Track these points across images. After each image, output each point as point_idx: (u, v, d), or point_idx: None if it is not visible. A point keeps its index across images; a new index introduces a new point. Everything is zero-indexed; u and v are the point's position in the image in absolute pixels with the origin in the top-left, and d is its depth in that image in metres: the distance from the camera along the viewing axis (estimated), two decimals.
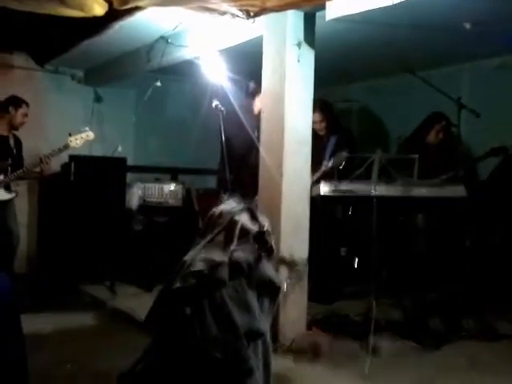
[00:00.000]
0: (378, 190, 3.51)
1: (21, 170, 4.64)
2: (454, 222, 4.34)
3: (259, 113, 3.99)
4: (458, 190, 3.89)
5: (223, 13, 3.41)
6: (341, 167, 4.29)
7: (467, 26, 4.04)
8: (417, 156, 3.55)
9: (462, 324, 3.75)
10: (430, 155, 4.59)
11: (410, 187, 3.60)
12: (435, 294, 4.31)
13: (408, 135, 4.93)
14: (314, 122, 4.62)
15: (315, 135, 4.61)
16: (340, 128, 4.89)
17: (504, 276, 4.54)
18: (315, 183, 4.06)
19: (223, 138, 4.23)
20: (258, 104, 4.30)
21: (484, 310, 4.06)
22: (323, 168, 4.45)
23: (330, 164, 4.37)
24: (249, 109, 4.47)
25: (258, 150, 3.73)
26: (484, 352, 3.36)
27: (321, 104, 4.75)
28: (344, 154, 4.28)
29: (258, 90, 4.18)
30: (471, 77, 5.34)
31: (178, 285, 2.08)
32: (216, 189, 4.73)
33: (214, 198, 4.39)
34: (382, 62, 5.30)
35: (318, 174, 4.43)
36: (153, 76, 4.96)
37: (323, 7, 3.37)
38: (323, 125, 4.79)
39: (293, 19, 3.49)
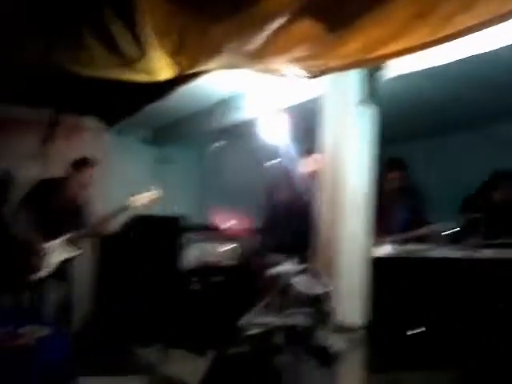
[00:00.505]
0: (442, 251, 3.34)
1: (85, 229, 4.75)
2: None
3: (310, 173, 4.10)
4: None
5: (286, 73, 3.45)
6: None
7: None
8: (481, 215, 3.37)
9: None
10: (496, 214, 4.36)
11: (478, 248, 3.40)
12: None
13: (472, 193, 4.73)
14: (391, 180, 4.58)
15: (386, 193, 4.53)
16: (411, 188, 4.75)
17: None
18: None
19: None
20: (311, 164, 4.29)
21: None
22: (427, 230, 4.18)
23: (436, 228, 4.09)
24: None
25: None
26: None
27: (399, 163, 4.69)
28: (452, 224, 3.96)
29: (310, 149, 4.23)
30: None
31: (232, 351, 2.00)
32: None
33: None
34: (447, 119, 5.20)
35: (411, 234, 4.24)
36: (214, 137, 5.08)
37: (385, 66, 3.36)
38: (399, 184, 4.66)
39: (354, 78, 3.49)
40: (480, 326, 4.16)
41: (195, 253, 5.37)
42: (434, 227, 4.10)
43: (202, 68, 3.22)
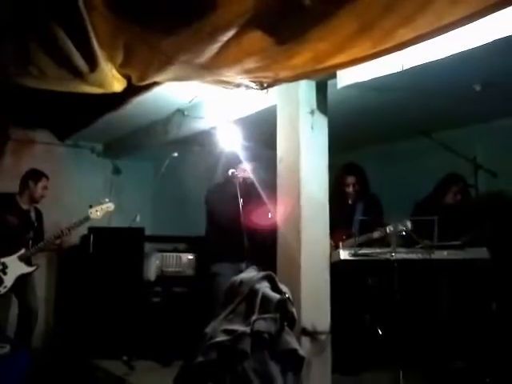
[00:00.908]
0: (398, 253, 3.47)
1: (42, 243, 4.67)
2: (478, 285, 4.21)
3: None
4: (481, 252, 3.83)
5: (238, 85, 3.51)
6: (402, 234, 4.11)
7: (477, 87, 4.11)
8: (436, 217, 3.50)
9: None
10: (448, 217, 4.54)
11: (431, 250, 3.53)
12: (462, 363, 4.13)
13: (424, 197, 4.89)
14: (346, 185, 4.66)
15: (341, 199, 4.62)
16: (368, 193, 4.85)
17: None
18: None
19: (240, 205, 4.27)
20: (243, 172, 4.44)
21: None
22: (378, 233, 4.22)
23: (388, 230, 4.08)
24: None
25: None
26: None
27: (354, 167, 4.77)
28: (407, 223, 3.95)
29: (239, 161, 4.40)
30: (486, 138, 5.35)
31: (199, 359, 2.02)
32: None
33: None
34: (394, 126, 5.37)
35: (362, 239, 4.25)
36: (170, 147, 5.08)
37: (334, 76, 3.46)
38: (357, 187, 4.70)
39: (305, 88, 3.58)
40: (441, 323, 4.34)
41: (156, 263, 5.34)
42: (385, 230, 4.14)
43: (153, 80, 3.24)
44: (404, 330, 3.47)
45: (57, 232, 4.70)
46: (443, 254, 3.66)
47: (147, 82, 3.25)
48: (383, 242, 3.99)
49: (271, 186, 3.95)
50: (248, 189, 4.33)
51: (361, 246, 3.63)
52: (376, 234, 4.12)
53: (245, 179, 4.40)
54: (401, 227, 3.94)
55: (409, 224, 3.89)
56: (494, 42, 2.76)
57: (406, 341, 3.58)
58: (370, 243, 3.74)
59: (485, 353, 3.98)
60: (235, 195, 4.33)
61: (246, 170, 4.43)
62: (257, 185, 4.24)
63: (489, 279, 4.14)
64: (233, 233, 4.42)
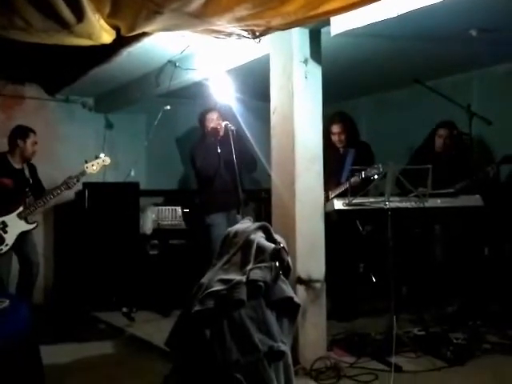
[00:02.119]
0: (392, 202, 3.49)
1: (38, 201, 4.65)
2: (471, 232, 4.28)
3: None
4: (474, 200, 3.86)
5: (229, 34, 3.43)
6: (375, 177, 4.14)
7: (473, 33, 4.03)
8: (430, 166, 3.50)
9: (484, 337, 3.67)
10: (442, 165, 4.56)
11: (425, 198, 3.56)
12: (456, 307, 4.25)
13: (419, 145, 4.90)
14: (333, 134, 4.68)
15: (332, 149, 4.63)
16: (358, 141, 4.86)
17: None
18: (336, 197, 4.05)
19: (235, 157, 4.28)
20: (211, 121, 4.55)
21: (505, 321, 3.98)
22: (353, 180, 4.23)
23: (364, 175, 4.22)
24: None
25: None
26: (509, 365, 3.29)
27: (341, 116, 4.76)
28: (379, 166, 4.09)
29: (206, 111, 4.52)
30: (481, 84, 5.31)
31: (196, 308, 2.06)
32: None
33: None
34: (389, 74, 5.30)
35: (343, 188, 4.40)
36: (162, 100, 5.01)
37: (328, 23, 3.38)
38: (343, 137, 4.72)
39: (298, 36, 3.50)
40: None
41: (153, 217, 5.38)
42: (360, 175, 4.19)
43: (143, 30, 3.16)
44: (398, 277, 3.53)
45: (53, 188, 4.68)
46: (437, 202, 3.68)
47: (136, 32, 3.17)
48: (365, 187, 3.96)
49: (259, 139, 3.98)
50: (234, 139, 4.34)
51: (353, 194, 3.64)
52: (353, 180, 4.14)
53: (228, 129, 4.39)
54: (374, 171, 4.02)
55: (380, 168, 3.93)
56: None
57: (399, 287, 3.67)
58: (356, 191, 3.74)
59: (476, 296, 4.09)
60: (218, 146, 4.39)
61: (227, 120, 4.47)
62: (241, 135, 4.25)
63: (481, 225, 4.19)
64: (222, 184, 4.48)
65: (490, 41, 4.22)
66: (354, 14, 3.18)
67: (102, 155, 4.76)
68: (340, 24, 3.38)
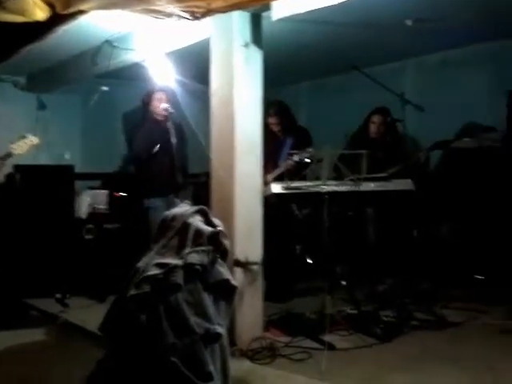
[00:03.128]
0: (328, 186, 3.59)
1: None
2: (403, 215, 4.47)
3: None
4: (406, 183, 4.03)
5: (168, 15, 3.37)
6: (307, 161, 4.24)
7: (409, 22, 4.19)
8: (364, 151, 3.62)
9: (412, 314, 3.87)
10: (376, 150, 4.73)
11: (359, 182, 3.68)
12: (386, 286, 4.45)
13: (354, 131, 5.04)
14: (270, 124, 4.73)
15: (271, 135, 4.69)
16: (297, 127, 4.93)
17: (451, 265, 4.73)
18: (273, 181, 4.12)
19: (174, 140, 4.25)
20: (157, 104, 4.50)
21: (432, 299, 4.21)
22: (286, 163, 4.42)
23: (297, 158, 4.31)
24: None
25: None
26: (435, 340, 3.48)
27: (277, 107, 4.79)
28: (310, 149, 4.22)
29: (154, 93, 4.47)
30: (415, 72, 5.52)
31: (132, 292, 2.05)
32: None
33: None
34: (329, 60, 5.41)
35: (279, 171, 4.49)
36: (99, 81, 4.89)
37: (269, 8, 3.39)
38: (280, 127, 4.79)
39: (239, 20, 3.49)
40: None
41: (88, 201, 5.25)
42: (292, 159, 4.31)
43: (79, 8, 3.06)
44: (332, 258, 3.65)
45: None
46: (370, 186, 3.81)
47: (72, 10, 3.07)
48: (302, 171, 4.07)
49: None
50: (172, 124, 4.32)
51: (290, 178, 3.72)
52: (286, 164, 4.28)
53: (167, 112, 4.36)
54: (306, 155, 4.13)
55: (312, 152, 4.06)
56: None
57: (333, 267, 3.80)
58: (292, 175, 3.84)
59: (406, 275, 4.29)
60: (158, 129, 4.36)
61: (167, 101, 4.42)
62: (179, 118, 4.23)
63: (411, 208, 4.39)
64: (161, 167, 4.46)
65: (424, 31, 4.39)
66: None
67: (28, 135, 4.57)
68: (281, 9, 3.40)
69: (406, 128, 4.54)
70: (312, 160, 4.03)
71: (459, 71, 5.12)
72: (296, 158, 4.26)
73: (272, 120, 4.73)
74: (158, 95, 4.59)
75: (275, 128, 4.77)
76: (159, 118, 4.53)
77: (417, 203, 4.36)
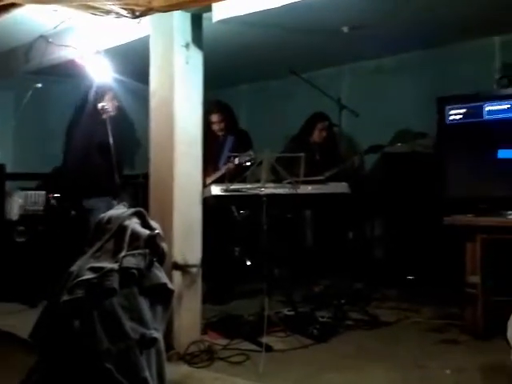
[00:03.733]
0: (267, 188, 3.62)
1: None
2: (339, 217, 4.58)
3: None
4: (342, 187, 4.14)
5: (107, 12, 3.31)
6: (247, 164, 4.27)
7: (345, 29, 4.29)
8: (303, 154, 3.68)
9: (347, 314, 3.97)
10: (314, 153, 4.84)
11: (297, 185, 3.74)
12: (322, 287, 4.55)
13: (294, 135, 5.12)
14: (212, 123, 4.72)
15: (211, 136, 4.68)
16: (237, 129, 4.94)
17: (384, 266, 4.90)
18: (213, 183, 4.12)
19: (111, 140, 4.15)
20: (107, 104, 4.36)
21: (366, 299, 4.34)
22: (227, 166, 4.43)
23: (237, 161, 4.34)
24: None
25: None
26: (368, 339, 3.58)
27: (219, 105, 4.80)
28: (251, 152, 4.27)
29: (105, 91, 4.32)
30: (350, 78, 5.67)
31: (65, 298, 1.99)
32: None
33: None
34: (269, 64, 5.47)
35: (219, 174, 4.50)
36: (33, 77, 4.71)
37: (210, 9, 3.39)
38: (222, 125, 4.77)
39: (180, 20, 3.46)
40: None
41: (19, 202, 5.03)
42: (233, 162, 4.33)
43: (11, 1, 2.95)
44: (271, 260, 3.69)
45: None
46: (308, 189, 3.89)
47: (5, 2, 2.96)
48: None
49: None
50: (113, 121, 4.22)
51: (230, 181, 3.73)
52: (226, 167, 4.34)
53: (105, 111, 4.26)
54: (246, 158, 4.20)
55: (252, 155, 4.14)
56: None
57: (272, 269, 3.84)
58: (232, 177, 3.86)
59: (342, 276, 4.40)
60: (96, 128, 4.25)
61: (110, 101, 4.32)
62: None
63: (347, 211, 4.51)
64: (98, 167, 4.34)
65: (359, 38, 4.51)
66: (236, 1, 3.23)
67: None
68: (222, 11, 3.41)
69: (343, 132, 4.66)
70: (252, 163, 4.05)
71: (393, 78, 5.30)
72: (236, 160, 4.28)
73: (214, 118, 4.72)
74: (109, 94, 4.41)
75: (216, 127, 4.76)
76: (104, 116, 4.37)
77: (352, 206, 4.48)
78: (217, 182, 4.29)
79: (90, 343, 1.93)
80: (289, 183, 3.76)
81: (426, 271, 4.64)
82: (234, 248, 4.75)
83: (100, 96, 4.44)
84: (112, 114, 4.36)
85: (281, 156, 4.03)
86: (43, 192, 5.06)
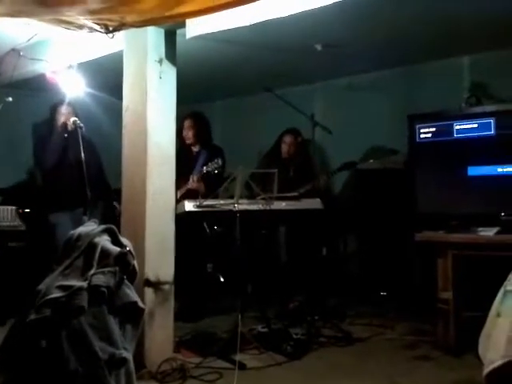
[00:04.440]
0: (241, 204, 3.62)
1: None
2: (312, 233, 4.59)
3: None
4: (315, 203, 4.16)
5: (80, 26, 3.29)
6: (215, 172, 4.34)
7: (318, 47, 4.35)
8: (276, 170, 3.70)
9: (320, 331, 3.96)
10: (287, 170, 4.85)
11: (271, 201, 3.74)
12: (297, 303, 4.53)
13: (267, 151, 5.14)
14: (183, 129, 4.69)
15: (185, 150, 4.66)
16: (211, 144, 4.92)
17: (357, 282, 4.92)
18: (183, 197, 4.09)
19: (83, 156, 4.09)
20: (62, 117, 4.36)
21: (340, 315, 4.34)
22: (195, 176, 4.49)
23: (205, 170, 4.40)
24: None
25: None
26: (342, 356, 3.58)
27: (193, 113, 4.83)
28: (219, 161, 4.34)
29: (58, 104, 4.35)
30: (323, 96, 5.73)
31: (32, 317, 1.93)
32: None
33: None
34: (242, 80, 5.51)
35: (188, 186, 4.49)
36: (3, 91, 4.62)
37: (183, 25, 3.40)
38: (192, 132, 4.76)
39: (153, 36, 3.47)
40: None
41: None
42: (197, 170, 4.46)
43: None
44: (244, 276, 3.67)
45: None
46: (282, 205, 3.89)
47: None
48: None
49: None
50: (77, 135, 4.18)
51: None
52: (191, 179, 4.46)
53: (76, 126, 4.21)
54: (214, 166, 4.35)
55: (220, 162, 4.34)
56: (331, 4, 2.93)
57: (245, 286, 3.81)
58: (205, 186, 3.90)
59: (315, 293, 4.40)
60: (64, 143, 4.21)
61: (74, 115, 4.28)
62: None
63: (321, 227, 4.53)
64: (68, 180, 4.29)
65: (332, 55, 4.57)
66: (209, 18, 3.24)
67: None
68: (195, 27, 3.42)
69: (316, 148, 4.69)
70: (219, 171, 4.12)
71: (365, 95, 5.37)
72: (204, 169, 4.30)
73: (186, 123, 4.72)
74: (63, 109, 4.40)
75: (189, 138, 4.74)
76: (64, 131, 4.34)
77: (326, 222, 4.49)
78: (187, 195, 4.27)
79: (58, 363, 1.88)
80: (262, 199, 3.76)
81: (398, 287, 4.67)
82: (207, 264, 4.71)
83: (54, 111, 4.43)
84: (69, 128, 4.30)
85: (255, 172, 4.03)
86: (13, 207, 4.94)
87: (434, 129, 4.09)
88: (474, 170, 3.96)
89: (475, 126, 3.95)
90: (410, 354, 3.59)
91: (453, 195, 4.02)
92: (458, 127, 4.01)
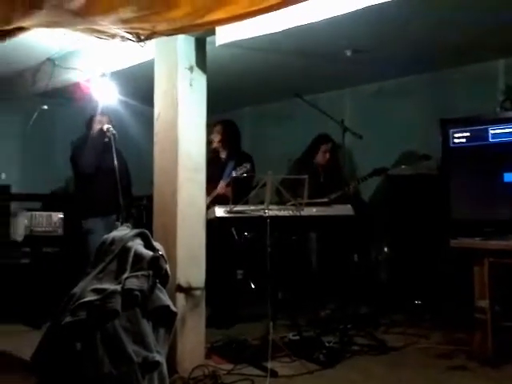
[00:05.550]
0: (271, 210, 3.60)
1: None
2: (343, 239, 4.54)
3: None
4: (346, 209, 4.12)
5: (113, 36, 3.35)
6: (244, 176, 4.31)
7: (348, 53, 4.33)
8: (306, 176, 3.67)
9: (353, 339, 3.90)
10: (318, 175, 4.82)
11: (301, 207, 3.71)
12: (328, 311, 4.48)
13: (298, 157, 5.12)
14: (213, 141, 4.71)
15: (214, 157, 4.68)
16: (240, 152, 4.93)
17: (391, 290, 4.83)
18: (212, 203, 4.10)
19: (116, 162, 4.15)
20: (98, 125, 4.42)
21: (373, 324, 4.27)
22: (225, 181, 4.48)
23: (234, 174, 4.37)
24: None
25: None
26: (375, 365, 3.50)
27: (224, 119, 4.84)
28: (248, 165, 4.33)
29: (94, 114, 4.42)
30: (353, 101, 5.70)
31: (67, 319, 1.96)
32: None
33: None
34: (272, 87, 5.52)
35: (215, 193, 4.49)
36: (40, 99, 4.75)
37: (213, 32, 3.42)
38: (219, 138, 4.76)
39: (183, 43, 3.50)
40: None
41: (25, 223, 5.03)
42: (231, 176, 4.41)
43: (20, 25, 2.98)
44: (275, 283, 3.64)
45: None
46: (312, 211, 3.86)
47: (13, 26, 2.98)
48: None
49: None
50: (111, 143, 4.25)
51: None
52: (220, 186, 4.47)
53: (110, 133, 4.29)
54: (243, 170, 4.33)
55: (248, 167, 4.30)
56: (360, 10, 2.90)
57: (276, 293, 3.79)
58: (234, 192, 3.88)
59: (347, 300, 4.34)
60: (102, 148, 4.26)
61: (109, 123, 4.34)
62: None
63: (352, 233, 4.47)
64: (102, 187, 4.35)
65: (361, 61, 4.55)
66: (240, 25, 3.26)
67: None
68: (225, 34, 3.44)
69: (346, 154, 4.65)
70: (248, 175, 4.11)
71: (394, 100, 5.31)
72: (234, 173, 4.31)
73: (215, 130, 4.72)
74: (98, 118, 4.49)
75: (218, 145, 4.75)
76: (103, 136, 4.41)
77: (357, 228, 4.44)
78: (216, 201, 4.27)
79: (92, 366, 1.89)
80: (293, 205, 3.74)
81: (432, 295, 4.57)
82: (237, 270, 4.70)
83: (90, 120, 4.51)
84: (105, 137, 4.37)
85: (285, 178, 4.02)
86: (49, 213, 5.06)
87: (468, 133, 4.00)
88: (510, 176, 3.86)
89: (511, 130, 3.86)
90: (445, 364, 3.49)
91: (488, 201, 3.92)
92: (493, 132, 3.92)
